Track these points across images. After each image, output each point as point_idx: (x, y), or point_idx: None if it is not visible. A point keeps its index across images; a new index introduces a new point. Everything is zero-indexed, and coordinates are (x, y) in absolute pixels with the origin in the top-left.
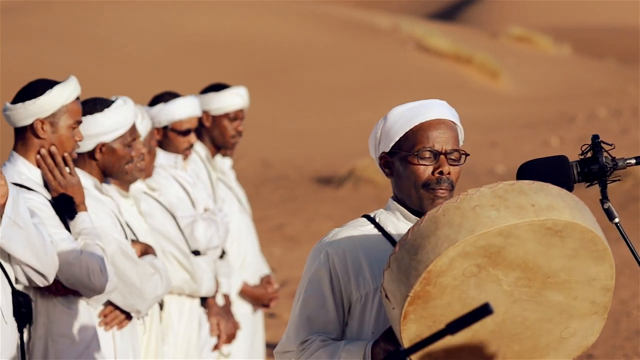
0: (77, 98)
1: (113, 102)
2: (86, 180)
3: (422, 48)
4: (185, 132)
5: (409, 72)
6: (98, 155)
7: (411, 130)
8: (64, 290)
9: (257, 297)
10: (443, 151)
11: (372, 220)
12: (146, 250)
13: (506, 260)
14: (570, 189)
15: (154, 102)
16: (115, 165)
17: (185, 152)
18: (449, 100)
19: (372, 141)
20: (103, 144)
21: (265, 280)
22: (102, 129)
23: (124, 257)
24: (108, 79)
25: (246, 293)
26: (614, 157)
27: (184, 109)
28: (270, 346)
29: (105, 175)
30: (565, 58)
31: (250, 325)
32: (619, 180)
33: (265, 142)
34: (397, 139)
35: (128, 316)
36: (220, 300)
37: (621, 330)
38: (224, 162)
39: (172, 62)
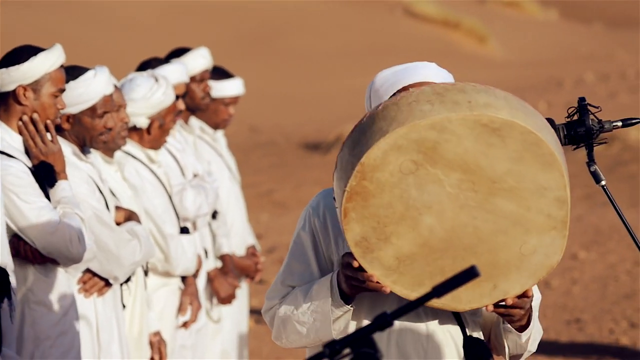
0: (62, 66)
1: (84, 72)
2: (65, 147)
3: (410, 13)
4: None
5: (397, 38)
6: (66, 125)
7: (396, 92)
8: (42, 258)
9: (242, 268)
10: None
11: None
12: (130, 217)
13: (444, 159)
14: None
15: (142, 67)
16: (86, 137)
17: (174, 118)
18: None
19: (366, 103)
20: (70, 115)
21: (251, 251)
22: (67, 100)
23: (100, 224)
24: (101, 44)
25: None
26: (600, 120)
27: (172, 75)
28: (257, 312)
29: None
30: (553, 22)
31: (238, 294)
32: (605, 142)
33: (253, 108)
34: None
35: (107, 283)
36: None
37: (609, 295)
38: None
39: (164, 26)
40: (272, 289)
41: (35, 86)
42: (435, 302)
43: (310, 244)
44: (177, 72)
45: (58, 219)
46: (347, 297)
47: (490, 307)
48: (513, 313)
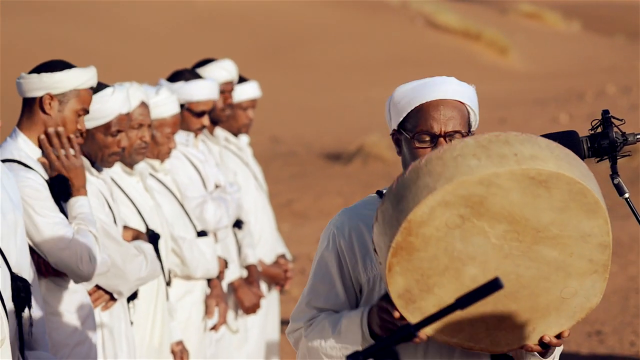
0: (92, 88)
1: (103, 88)
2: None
3: (431, 24)
4: (200, 114)
5: (418, 49)
6: (79, 140)
7: (413, 110)
8: (53, 272)
9: (272, 276)
10: (441, 133)
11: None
12: (137, 236)
13: (490, 212)
14: None
15: (174, 77)
16: (98, 154)
17: (197, 131)
18: (458, 77)
19: (386, 117)
20: (83, 130)
21: (280, 260)
22: None
23: (107, 238)
24: (121, 55)
25: (261, 272)
26: (624, 132)
27: (202, 91)
28: (281, 322)
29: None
30: (575, 34)
31: (264, 303)
32: (629, 155)
33: (274, 118)
34: (400, 119)
35: (112, 297)
36: (228, 280)
37: (630, 307)
38: (241, 139)
39: (182, 37)
40: (297, 310)
41: (62, 98)
42: (476, 347)
43: (335, 264)
44: (206, 89)
45: (71, 235)
46: (377, 336)
47: (529, 348)
48: (547, 350)
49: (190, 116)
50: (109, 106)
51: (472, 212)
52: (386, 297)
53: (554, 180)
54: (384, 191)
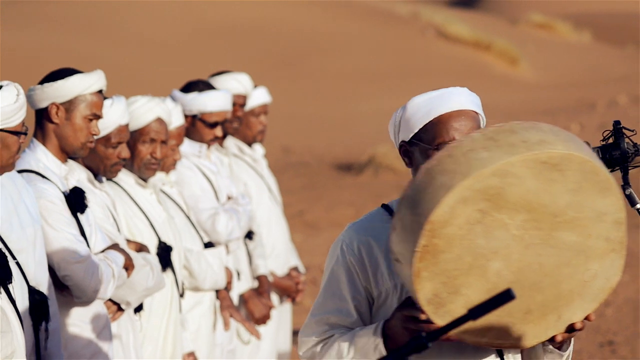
0: (100, 92)
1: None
2: (80, 172)
3: (441, 35)
4: (213, 125)
5: (429, 59)
6: (93, 145)
7: (430, 122)
8: (60, 285)
9: (284, 288)
10: None
11: (389, 210)
12: (140, 249)
13: (509, 202)
14: None
15: (187, 88)
16: (100, 166)
17: (210, 142)
18: (469, 87)
19: (391, 129)
20: None
21: (292, 272)
22: None
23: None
24: (128, 65)
25: (273, 283)
26: (636, 143)
27: (216, 102)
28: (293, 333)
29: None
30: (586, 45)
31: (275, 314)
32: None
33: (285, 129)
34: (416, 130)
35: (119, 308)
36: (239, 291)
37: None
38: (256, 150)
39: (193, 48)
40: (307, 326)
41: (68, 106)
42: (502, 344)
43: (346, 279)
44: (219, 100)
45: (86, 252)
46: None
47: (559, 337)
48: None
49: (203, 127)
50: (108, 118)
51: (491, 205)
52: (407, 307)
53: (566, 162)
54: (390, 204)
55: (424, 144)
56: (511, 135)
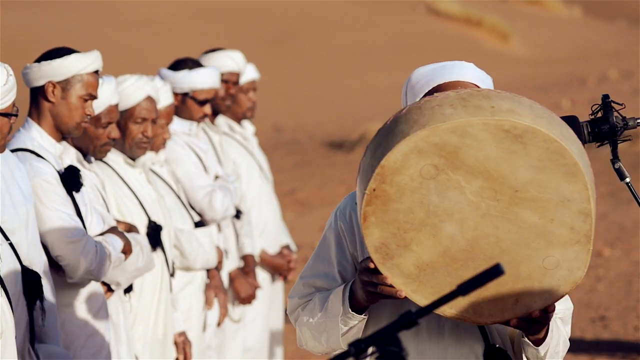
0: (97, 72)
1: None
2: (70, 152)
3: (432, 11)
4: (203, 102)
5: (420, 36)
6: (88, 126)
7: (429, 91)
8: (56, 265)
9: (275, 266)
10: None
11: None
12: (129, 229)
13: (465, 165)
14: None
15: (176, 66)
16: (90, 146)
17: (199, 120)
18: None
19: (402, 99)
20: None
21: (284, 250)
22: None
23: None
24: (119, 44)
25: (265, 262)
26: (625, 117)
27: (206, 79)
28: (285, 312)
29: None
30: (576, 20)
31: (267, 293)
32: (629, 140)
33: (276, 106)
34: (417, 99)
35: (109, 289)
36: (227, 270)
37: (633, 292)
38: (247, 128)
39: (184, 26)
40: (294, 288)
41: (64, 85)
42: (457, 314)
43: (335, 244)
44: (208, 77)
45: (82, 233)
46: (361, 309)
47: (514, 322)
48: (535, 328)
49: (193, 105)
50: (98, 98)
51: (447, 164)
52: (366, 259)
53: (530, 136)
54: None
55: None
56: (483, 99)
